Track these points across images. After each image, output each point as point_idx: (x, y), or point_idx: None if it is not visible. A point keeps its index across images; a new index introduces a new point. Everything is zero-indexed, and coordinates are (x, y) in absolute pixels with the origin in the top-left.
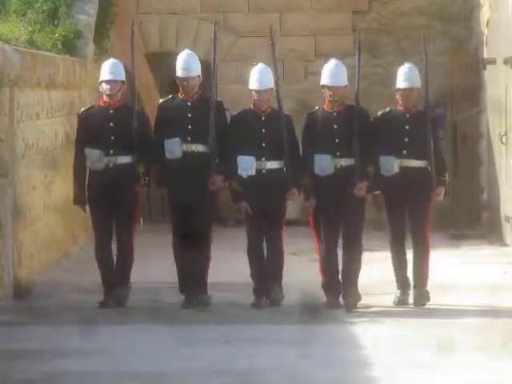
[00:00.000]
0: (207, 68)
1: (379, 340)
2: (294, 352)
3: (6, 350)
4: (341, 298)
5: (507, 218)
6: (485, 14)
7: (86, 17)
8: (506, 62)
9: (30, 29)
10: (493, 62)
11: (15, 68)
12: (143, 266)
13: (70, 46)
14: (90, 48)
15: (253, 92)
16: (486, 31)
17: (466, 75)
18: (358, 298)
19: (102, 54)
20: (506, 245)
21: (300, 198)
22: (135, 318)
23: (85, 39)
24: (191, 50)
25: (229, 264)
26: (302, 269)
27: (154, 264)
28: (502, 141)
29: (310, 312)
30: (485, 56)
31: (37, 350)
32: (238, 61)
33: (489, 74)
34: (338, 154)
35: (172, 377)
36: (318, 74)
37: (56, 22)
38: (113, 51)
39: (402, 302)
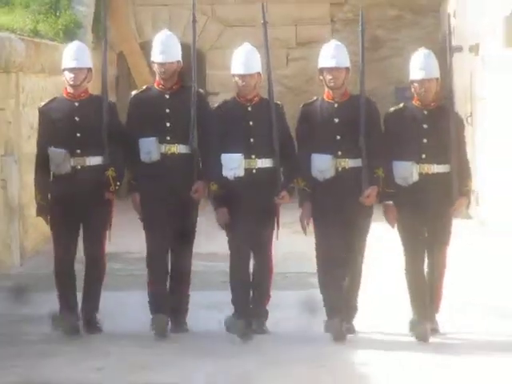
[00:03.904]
0: (198, 56)
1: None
2: (283, 316)
3: (14, 314)
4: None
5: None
6: (452, 5)
7: (85, 8)
8: (471, 49)
9: (34, 19)
10: (459, 49)
11: (20, 55)
12: (120, 237)
13: (70, 35)
14: (89, 37)
15: (236, 78)
16: (453, 21)
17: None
18: (352, 329)
19: (99, 42)
20: (469, 217)
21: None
22: (128, 284)
23: (84, 29)
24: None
25: (220, 234)
26: (287, 240)
27: (130, 236)
28: (467, 121)
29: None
30: (452, 44)
31: (41, 314)
32: (226, 48)
33: (456, 61)
34: (339, 153)
35: (163, 340)
36: (299, 60)
37: (58, 12)
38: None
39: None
